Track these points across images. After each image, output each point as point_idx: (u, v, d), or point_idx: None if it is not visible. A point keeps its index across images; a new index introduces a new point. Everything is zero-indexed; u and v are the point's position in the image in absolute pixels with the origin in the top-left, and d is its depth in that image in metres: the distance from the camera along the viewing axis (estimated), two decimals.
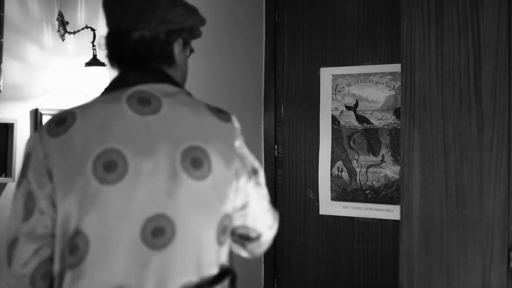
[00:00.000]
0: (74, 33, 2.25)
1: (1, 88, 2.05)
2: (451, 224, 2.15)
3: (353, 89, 2.91)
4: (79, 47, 2.30)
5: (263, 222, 1.37)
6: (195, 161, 1.22)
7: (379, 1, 2.86)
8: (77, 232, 1.16)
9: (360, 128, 2.90)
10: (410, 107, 2.22)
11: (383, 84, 2.84)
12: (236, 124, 1.33)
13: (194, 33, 1.45)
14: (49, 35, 2.23)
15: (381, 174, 2.84)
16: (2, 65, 2.05)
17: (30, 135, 1.27)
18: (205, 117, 1.28)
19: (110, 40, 1.32)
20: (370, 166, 2.88)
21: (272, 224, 1.40)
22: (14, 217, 1.21)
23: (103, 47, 1.34)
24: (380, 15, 2.86)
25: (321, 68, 2.99)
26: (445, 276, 2.17)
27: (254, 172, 1.33)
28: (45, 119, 2.19)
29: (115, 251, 1.16)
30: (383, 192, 2.84)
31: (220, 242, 1.25)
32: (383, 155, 2.85)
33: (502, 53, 2.06)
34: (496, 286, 2.08)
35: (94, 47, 2.24)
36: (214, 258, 1.24)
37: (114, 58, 1.33)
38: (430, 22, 2.19)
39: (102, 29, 2.39)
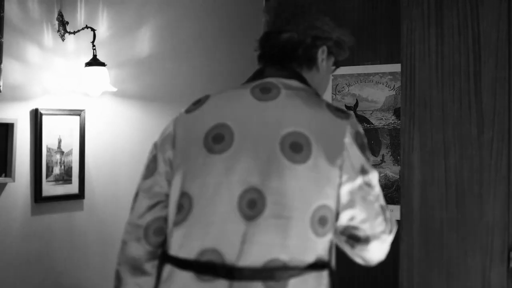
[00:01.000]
0: (74, 33, 2.25)
1: (1, 88, 2.05)
2: (451, 224, 2.15)
3: (353, 89, 2.91)
4: (79, 47, 2.30)
5: (372, 225, 1.36)
6: (294, 146, 1.28)
7: (379, 1, 2.86)
8: (184, 193, 1.31)
9: None
10: (410, 107, 2.22)
11: (383, 84, 2.84)
12: (353, 124, 1.34)
13: (340, 46, 1.59)
14: (49, 35, 2.23)
15: (381, 174, 2.84)
16: (2, 65, 2.05)
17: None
18: (318, 111, 1.34)
19: (263, 40, 1.52)
20: None
21: (383, 230, 1.39)
22: (141, 174, 1.44)
23: (256, 47, 1.53)
24: (380, 15, 2.86)
25: None
26: (445, 276, 2.17)
27: (363, 171, 1.33)
28: (45, 119, 2.19)
29: (212, 214, 1.28)
30: (383, 192, 2.84)
31: (316, 232, 1.28)
32: (383, 155, 2.85)
33: (502, 53, 2.06)
34: (496, 286, 2.08)
35: (94, 47, 2.24)
36: (308, 245, 1.27)
37: (263, 55, 1.51)
38: (430, 22, 2.19)
39: (102, 29, 2.39)
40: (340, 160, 1.29)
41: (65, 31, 2.25)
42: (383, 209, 1.39)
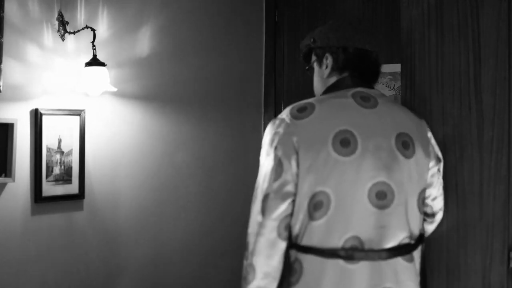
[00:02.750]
0: (74, 33, 2.25)
1: (1, 88, 2.05)
2: (451, 224, 2.15)
3: None
4: (79, 47, 2.30)
5: (438, 203, 1.80)
6: (404, 144, 1.64)
7: (379, 1, 2.86)
8: (321, 192, 1.55)
9: None
10: (410, 107, 2.22)
11: (383, 84, 2.84)
12: (425, 122, 1.80)
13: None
14: (49, 35, 2.23)
15: None
16: (2, 65, 2.05)
17: (274, 120, 1.64)
18: (408, 114, 1.73)
19: (356, 56, 1.78)
20: None
21: (442, 207, 1.83)
22: (264, 178, 1.59)
23: (330, 58, 1.78)
24: (380, 15, 2.86)
25: None
26: (445, 276, 2.17)
27: (439, 160, 1.78)
28: (45, 119, 2.19)
29: (350, 206, 1.54)
30: None
31: (420, 211, 1.68)
32: None
33: (502, 53, 2.06)
34: (496, 286, 2.08)
35: (94, 47, 2.24)
36: (417, 222, 1.67)
37: (346, 67, 1.77)
38: (430, 22, 2.19)
39: (102, 29, 2.39)
40: (429, 149, 1.71)
41: (65, 31, 2.25)
42: (443, 191, 1.82)
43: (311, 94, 3.03)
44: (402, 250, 1.62)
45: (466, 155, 2.12)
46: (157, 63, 2.65)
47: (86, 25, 2.25)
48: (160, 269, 2.68)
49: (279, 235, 1.56)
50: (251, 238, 1.58)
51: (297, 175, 1.56)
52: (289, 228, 1.58)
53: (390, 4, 2.80)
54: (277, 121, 1.64)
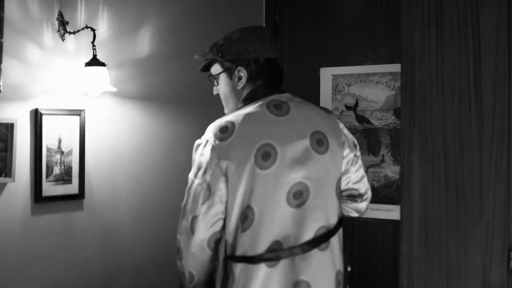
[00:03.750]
0: (74, 33, 2.25)
1: (1, 88, 2.05)
2: (451, 224, 2.15)
3: (353, 89, 2.91)
4: (79, 47, 2.30)
5: (364, 185, 1.92)
6: (319, 141, 1.78)
7: (379, 1, 2.86)
8: (248, 206, 1.70)
9: (360, 128, 2.90)
10: (410, 107, 2.22)
11: (383, 84, 2.84)
12: (335, 115, 1.92)
13: None
14: (49, 35, 2.23)
15: (381, 174, 2.84)
16: (2, 65, 2.05)
17: (199, 141, 1.78)
18: (318, 111, 1.86)
19: (267, 65, 1.93)
20: (370, 166, 2.88)
21: (369, 186, 1.94)
22: (193, 199, 1.73)
23: (243, 71, 1.89)
24: (380, 15, 2.86)
25: (321, 68, 2.99)
26: (445, 276, 2.17)
27: (355, 146, 1.89)
28: (45, 119, 2.19)
29: (271, 213, 1.70)
30: (383, 192, 2.84)
31: (338, 199, 1.83)
32: (383, 155, 2.85)
33: (502, 53, 2.06)
34: (496, 286, 2.08)
35: (94, 47, 2.24)
36: (335, 211, 1.81)
37: (259, 76, 1.90)
38: (430, 22, 2.19)
39: (102, 29, 2.39)
40: (342, 139, 1.83)
41: (65, 31, 2.25)
42: (365, 173, 1.93)
43: (311, 94, 3.04)
44: (319, 241, 1.75)
45: (466, 155, 2.12)
46: (157, 63, 2.65)
47: (86, 25, 2.25)
48: (160, 269, 2.68)
49: (208, 247, 1.73)
50: (181, 245, 1.76)
51: (227, 194, 1.71)
52: (218, 239, 1.74)
53: (390, 4, 2.80)
54: (202, 143, 1.78)
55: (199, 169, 1.75)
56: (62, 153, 2.26)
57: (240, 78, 1.94)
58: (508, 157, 2.06)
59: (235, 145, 1.73)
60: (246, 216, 1.71)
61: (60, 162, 2.26)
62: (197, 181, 1.74)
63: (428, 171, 2.19)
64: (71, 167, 2.29)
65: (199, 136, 2.88)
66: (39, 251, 2.23)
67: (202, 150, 1.77)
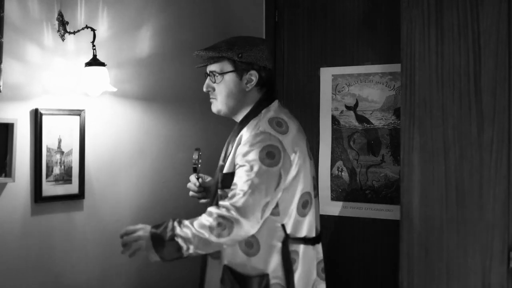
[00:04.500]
0: (74, 33, 2.25)
1: (1, 88, 2.05)
2: (451, 224, 2.15)
3: (353, 89, 2.91)
4: (79, 47, 2.30)
5: None
6: (311, 149, 2.17)
7: (379, 1, 2.86)
8: (307, 193, 2.05)
9: (360, 128, 2.90)
10: (410, 107, 2.22)
11: (383, 84, 2.84)
12: None
13: None
14: (49, 35, 2.23)
15: (381, 174, 2.84)
16: (2, 65, 2.05)
17: (265, 132, 1.98)
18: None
19: (272, 75, 2.16)
20: (370, 166, 2.88)
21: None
22: (267, 185, 1.93)
23: (256, 75, 2.09)
24: (380, 15, 2.86)
25: (321, 68, 2.99)
26: (445, 276, 2.17)
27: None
28: (45, 119, 2.19)
29: (314, 200, 2.12)
30: (383, 192, 2.84)
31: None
32: (383, 155, 2.85)
33: (502, 53, 2.06)
34: (496, 286, 2.08)
35: (94, 47, 2.24)
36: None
37: (265, 83, 2.12)
38: (430, 22, 2.19)
39: (102, 29, 2.39)
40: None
41: (65, 31, 2.25)
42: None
43: (311, 94, 3.04)
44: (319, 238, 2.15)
45: (466, 155, 2.12)
46: (157, 63, 2.65)
47: (86, 25, 2.25)
48: (160, 269, 2.68)
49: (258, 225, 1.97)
50: (248, 229, 1.93)
51: (289, 183, 1.99)
52: None
53: (390, 4, 2.80)
54: (267, 133, 1.97)
55: (269, 155, 1.94)
56: (62, 153, 2.26)
57: (250, 81, 2.09)
58: (508, 157, 2.06)
59: (295, 138, 2.03)
60: (306, 201, 2.04)
61: (60, 162, 2.26)
62: (272, 169, 1.94)
63: (428, 171, 2.19)
64: (71, 167, 2.29)
65: (199, 136, 2.88)
66: (39, 251, 2.23)
67: (269, 138, 1.96)
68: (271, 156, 1.94)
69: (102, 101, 2.40)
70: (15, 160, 2.10)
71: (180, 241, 1.90)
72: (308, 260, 2.07)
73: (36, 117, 2.18)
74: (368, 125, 2.88)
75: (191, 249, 1.90)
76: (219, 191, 2.05)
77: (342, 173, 2.94)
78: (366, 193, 2.87)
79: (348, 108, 2.92)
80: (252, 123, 2.04)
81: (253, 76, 2.09)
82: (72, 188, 2.30)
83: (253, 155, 1.93)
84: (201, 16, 2.85)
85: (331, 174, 2.96)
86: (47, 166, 2.21)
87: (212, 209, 1.94)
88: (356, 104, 2.90)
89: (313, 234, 2.08)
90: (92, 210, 2.39)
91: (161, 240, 1.91)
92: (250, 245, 1.99)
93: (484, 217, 2.09)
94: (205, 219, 1.91)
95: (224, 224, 1.89)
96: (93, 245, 2.41)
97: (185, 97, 2.77)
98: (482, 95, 2.10)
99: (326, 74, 2.98)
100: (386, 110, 2.83)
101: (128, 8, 2.52)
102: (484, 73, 2.09)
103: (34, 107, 2.18)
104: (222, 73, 2.10)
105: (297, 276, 2.02)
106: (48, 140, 2.21)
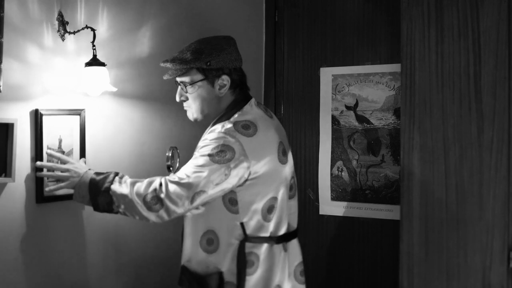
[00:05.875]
0: (74, 33, 2.25)
1: (1, 88, 2.05)
2: (451, 224, 2.15)
3: (353, 89, 2.91)
4: (79, 47, 2.30)
5: None
6: (286, 145, 2.16)
7: (379, 1, 2.86)
8: (273, 197, 2.02)
9: (360, 128, 2.90)
10: (410, 107, 2.22)
11: (383, 84, 2.84)
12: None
13: None
14: (49, 35, 2.23)
15: (381, 174, 2.84)
16: (2, 65, 2.05)
17: (227, 131, 1.98)
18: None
19: (242, 73, 2.14)
20: (370, 166, 2.88)
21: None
22: (208, 179, 1.93)
23: (227, 79, 2.07)
24: (380, 15, 2.86)
25: (321, 68, 2.99)
26: (445, 276, 2.17)
27: None
28: (45, 119, 2.19)
29: (286, 202, 2.10)
30: (383, 192, 2.84)
31: None
32: (383, 155, 2.85)
33: (502, 53, 2.06)
34: (496, 286, 2.08)
35: (94, 47, 2.24)
36: None
37: (238, 83, 2.11)
38: (430, 22, 2.19)
39: (102, 29, 2.39)
40: None
41: (65, 31, 2.25)
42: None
43: (311, 94, 3.04)
44: (295, 233, 2.14)
45: (466, 155, 2.12)
46: (157, 63, 2.65)
47: (86, 25, 2.25)
48: (160, 269, 2.68)
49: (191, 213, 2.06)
50: (167, 202, 1.95)
51: (241, 183, 1.98)
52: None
53: (390, 4, 2.80)
54: (228, 132, 1.97)
55: (220, 153, 1.94)
56: (62, 153, 2.26)
57: (223, 86, 2.08)
58: (508, 157, 2.06)
59: (263, 142, 2.00)
60: (272, 206, 2.02)
61: (61, 162, 2.25)
62: (220, 165, 1.93)
63: (428, 171, 2.19)
64: None
65: (199, 136, 2.88)
66: (40, 251, 2.23)
67: (228, 140, 1.95)
68: (222, 154, 1.94)
69: (102, 101, 2.40)
70: (15, 160, 2.10)
71: (113, 196, 1.96)
72: (272, 262, 2.01)
73: (36, 117, 2.18)
74: (368, 125, 2.88)
75: (121, 209, 1.97)
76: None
77: (342, 173, 2.94)
78: (366, 193, 2.87)
79: (348, 108, 2.92)
80: (222, 123, 2.03)
81: (225, 80, 2.07)
82: None
83: (205, 150, 1.97)
84: (201, 16, 2.85)
85: (331, 174, 2.97)
86: None
87: (153, 182, 1.97)
88: (356, 104, 2.90)
89: (282, 232, 2.04)
90: (92, 209, 2.40)
91: (97, 188, 1.97)
92: (211, 242, 2.01)
93: (484, 217, 2.10)
94: (144, 187, 1.96)
95: (156, 201, 1.94)
96: (94, 245, 2.41)
97: None
98: (482, 95, 2.10)
99: (326, 74, 2.98)
100: (386, 110, 2.84)
101: (128, 8, 2.52)
102: (484, 73, 2.09)
103: (34, 107, 2.18)
104: (192, 83, 2.09)
105: (254, 278, 1.99)
106: (49, 140, 2.21)
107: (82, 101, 2.33)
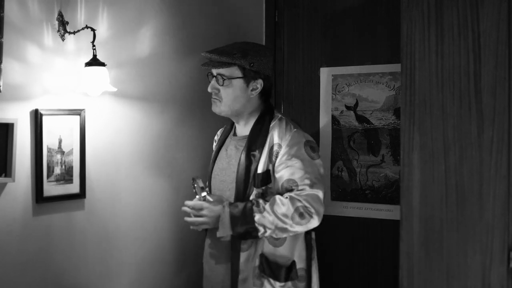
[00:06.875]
0: (74, 33, 2.25)
1: (1, 88, 2.05)
2: (451, 224, 2.15)
3: (353, 89, 2.91)
4: (79, 47, 2.30)
5: None
6: None
7: (379, 1, 2.86)
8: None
9: (360, 128, 2.90)
10: (410, 107, 2.22)
11: (383, 84, 2.84)
12: None
13: None
14: (49, 35, 2.23)
15: (381, 174, 2.84)
16: (2, 65, 2.05)
17: (300, 131, 2.28)
18: None
19: (271, 83, 2.32)
20: (370, 166, 2.88)
21: None
22: (319, 179, 2.18)
23: (262, 83, 2.25)
24: (380, 15, 2.86)
25: (321, 68, 2.99)
26: (445, 276, 2.17)
27: None
28: (45, 119, 2.19)
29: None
30: (383, 192, 2.84)
31: None
32: (383, 155, 2.85)
33: (502, 53, 2.06)
34: (496, 286, 2.08)
35: (94, 47, 2.24)
36: None
37: (268, 91, 2.30)
38: (430, 22, 2.19)
39: (102, 29, 2.39)
40: None
41: (65, 31, 2.25)
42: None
43: (311, 94, 3.04)
44: None
45: (466, 155, 2.12)
46: (157, 63, 2.65)
47: (86, 25, 2.25)
48: (161, 269, 2.68)
49: None
50: (315, 209, 2.15)
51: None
52: None
53: (390, 4, 2.80)
54: (303, 132, 2.26)
55: (312, 149, 2.21)
56: (62, 153, 2.26)
57: (255, 89, 2.25)
58: (508, 157, 2.06)
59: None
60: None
61: (61, 162, 2.26)
62: (316, 161, 2.20)
63: (428, 171, 2.19)
64: (72, 167, 2.29)
65: (198, 136, 2.88)
66: (40, 251, 2.23)
67: (305, 135, 2.24)
68: (313, 149, 2.21)
69: (102, 101, 2.40)
70: (15, 160, 2.10)
71: (259, 226, 2.12)
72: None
73: (36, 117, 2.18)
74: (368, 125, 2.88)
75: (268, 233, 2.13)
76: (257, 190, 2.21)
77: (342, 173, 2.94)
78: (366, 193, 2.87)
79: (348, 108, 2.92)
80: (278, 126, 2.25)
81: (259, 84, 2.24)
82: (73, 187, 2.30)
83: (300, 151, 2.18)
84: (201, 16, 2.85)
85: (331, 174, 2.97)
86: (48, 166, 2.21)
87: (293, 199, 2.12)
88: (356, 104, 2.90)
89: None
90: (93, 209, 2.40)
91: (238, 222, 2.13)
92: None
93: (484, 217, 2.10)
94: (287, 207, 2.12)
95: (305, 215, 2.11)
96: (94, 245, 2.41)
97: (185, 97, 2.77)
98: (482, 95, 2.10)
99: (326, 74, 2.98)
100: (386, 110, 2.84)
101: (128, 8, 2.52)
102: (484, 73, 2.09)
103: (34, 107, 2.18)
104: (230, 78, 2.22)
105: (316, 260, 2.32)
106: (49, 140, 2.21)
107: (82, 101, 2.33)
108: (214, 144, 2.55)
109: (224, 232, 2.15)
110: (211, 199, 2.23)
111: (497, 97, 2.07)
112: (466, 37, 2.12)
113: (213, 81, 2.28)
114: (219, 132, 2.56)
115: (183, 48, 2.74)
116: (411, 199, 2.22)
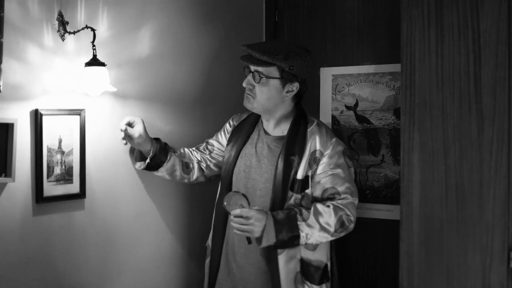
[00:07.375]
0: (74, 33, 2.25)
1: (1, 88, 2.05)
2: (451, 224, 2.15)
3: (353, 89, 2.91)
4: (79, 47, 2.30)
5: None
6: None
7: (379, 1, 2.86)
8: None
9: (360, 128, 2.90)
10: (410, 107, 2.22)
11: (383, 84, 2.84)
12: None
13: None
14: (49, 35, 2.23)
15: (381, 174, 2.84)
16: (2, 65, 2.05)
17: (338, 139, 2.40)
18: None
19: (306, 86, 2.32)
20: (370, 166, 2.88)
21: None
22: (352, 179, 2.33)
23: (297, 86, 2.27)
24: (380, 15, 2.86)
25: (321, 68, 2.99)
26: (445, 276, 2.17)
27: None
28: (45, 119, 2.19)
29: None
30: (383, 192, 2.84)
31: None
32: (383, 155, 2.85)
33: (502, 53, 2.06)
34: (496, 286, 2.08)
35: (94, 47, 2.24)
36: None
37: (301, 95, 2.34)
38: (430, 22, 2.19)
39: (102, 29, 2.39)
40: None
41: (65, 31, 2.25)
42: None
43: (311, 94, 3.04)
44: None
45: (466, 155, 2.12)
46: (157, 63, 2.65)
47: (86, 25, 2.24)
48: (161, 269, 2.68)
49: None
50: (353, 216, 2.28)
51: None
52: None
53: (390, 4, 2.80)
54: (340, 140, 2.37)
55: (349, 158, 2.34)
56: (62, 153, 2.26)
57: (291, 91, 2.26)
58: (508, 157, 2.06)
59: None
60: None
61: (61, 162, 2.25)
62: (352, 169, 2.34)
63: (428, 171, 2.19)
64: (72, 167, 2.29)
65: (199, 136, 2.89)
66: (40, 251, 2.23)
67: (342, 143, 2.35)
68: (350, 158, 2.34)
69: (102, 101, 2.40)
70: (15, 160, 2.10)
71: (302, 234, 2.16)
72: None
73: (36, 117, 2.17)
74: (368, 125, 2.88)
75: (309, 241, 2.19)
76: (296, 195, 2.25)
77: None
78: (366, 193, 2.87)
79: (348, 108, 2.92)
80: (318, 132, 2.32)
81: (295, 87, 2.26)
82: (73, 187, 2.30)
83: (340, 160, 2.27)
84: (201, 16, 2.85)
85: None
86: (48, 166, 2.21)
87: (336, 208, 2.21)
88: (356, 104, 2.90)
89: None
90: (93, 209, 2.40)
91: (282, 229, 2.15)
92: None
93: (484, 217, 2.10)
94: (329, 216, 2.19)
95: (345, 223, 2.22)
96: (94, 244, 2.41)
97: (185, 97, 2.77)
98: (482, 95, 2.10)
99: (326, 74, 2.98)
100: (386, 110, 2.83)
101: (128, 8, 2.52)
102: (484, 73, 2.09)
103: (34, 107, 2.18)
104: (268, 77, 2.22)
105: (334, 262, 2.42)
106: (49, 140, 2.21)
107: (82, 101, 2.33)
108: (226, 129, 2.55)
109: (268, 240, 2.14)
110: (254, 208, 2.20)
111: (497, 97, 2.07)
112: (466, 37, 2.12)
113: (250, 77, 2.27)
114: (236, 119, 2.55)
115: (183, 48, 2.74)
116: (411, 199, 2.22)
